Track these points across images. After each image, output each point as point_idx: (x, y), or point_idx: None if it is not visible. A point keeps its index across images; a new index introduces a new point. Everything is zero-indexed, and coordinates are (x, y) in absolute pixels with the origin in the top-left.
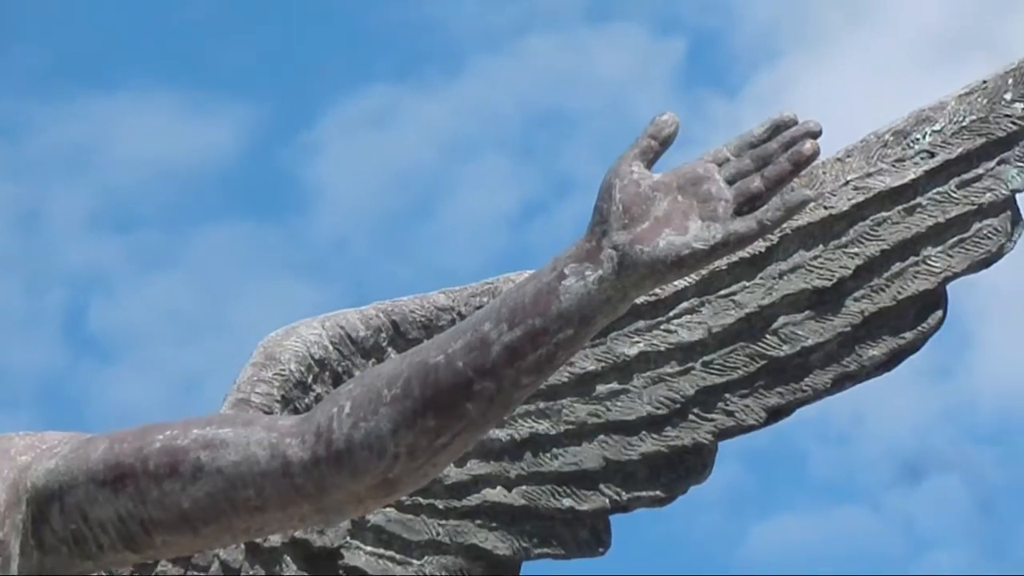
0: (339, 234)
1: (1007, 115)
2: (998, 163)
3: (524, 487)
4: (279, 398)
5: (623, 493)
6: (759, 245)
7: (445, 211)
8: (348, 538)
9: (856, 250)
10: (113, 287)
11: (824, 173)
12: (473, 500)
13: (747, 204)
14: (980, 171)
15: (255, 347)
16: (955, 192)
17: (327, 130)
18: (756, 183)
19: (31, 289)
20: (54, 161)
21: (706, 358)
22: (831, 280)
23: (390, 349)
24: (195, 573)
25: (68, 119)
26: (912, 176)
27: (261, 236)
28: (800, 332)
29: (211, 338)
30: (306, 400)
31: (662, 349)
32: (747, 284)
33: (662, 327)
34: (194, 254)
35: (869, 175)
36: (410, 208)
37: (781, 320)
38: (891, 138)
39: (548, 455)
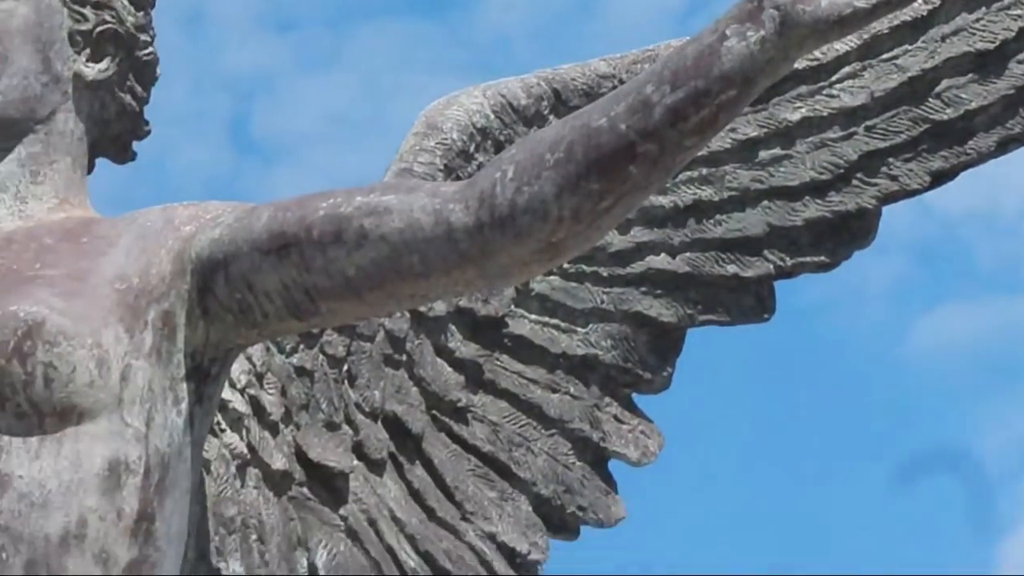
0: (502, 33)
1: None
2: None
3: (688, 254)
4: (441, 167)
5: (787, 259)
6: (921, 7)
7: (608, 9)
8: (513, 307)
9: (1019, 12)
10: (276, 89)
11: None
12: (637, 267)
13: None
14: None
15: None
16: None
17: None
18: None
19: (197, 91)
20: None
21: (869, 122)
22: (994, 42)
23: (551, 117)
24: (360, 343)
25: None
26: None
27: (424, 35)
28: (963, 95)
29: (372, 139)
30: (468, 169)
31: (825, 114)
32: (909, 47)
33: (824, 92)
34: (356, 54)
35: None
36: (573, 6)
37: (944, 83)
38: None
39: (711, 221)
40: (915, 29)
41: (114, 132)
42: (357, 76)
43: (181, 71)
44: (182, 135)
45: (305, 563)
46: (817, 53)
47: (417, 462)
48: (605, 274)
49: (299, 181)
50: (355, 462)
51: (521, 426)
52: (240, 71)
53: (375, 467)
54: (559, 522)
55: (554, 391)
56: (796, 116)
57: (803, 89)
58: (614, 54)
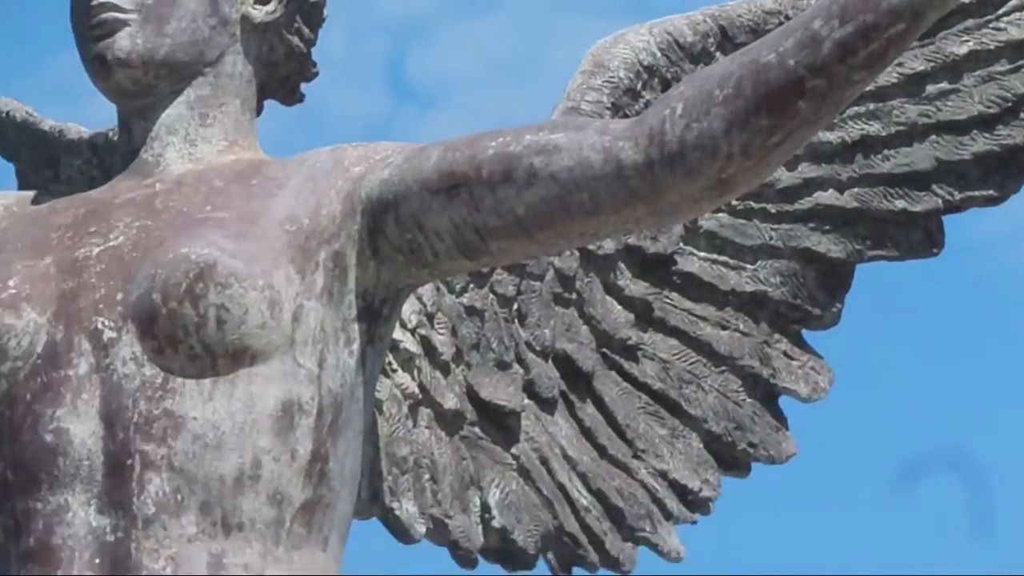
0: None
1: None
2: None
3: (856, 189)
4: (609, 105)
5: (955, 193)
6: None
7: None
8: (681, 244)
9: None
10: (432, 34)
11: None
12: (805, 203)
13: None
14: None
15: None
16: None
17: None
18: None
19: (354, 35)
20: None
21: None
22: None
23: (717, 54)
24: (530, 281)
25: None
26: None
27: None
28: None
29: (528, 83)
30: (635, 107)
31: (992, 47)
32: None
33: (991, 25)
34: None
35: None
36: None
37: None
38: None
39: (879, 156)
40: None
41: (282, 74)
42: (513, 20)
43: (338, 15)
44: (339, 79)
45: (478, 502)
46: None
47: (588, 400)
48: (773, 210)
49: (455, 126)
50: (526, 401)
51: (691, 363)
52: (396, 15)
53: (546, 406)
54: (730, 459)
55: (724, 328)
56: (963, 50)
57: (970, 23)
58: None
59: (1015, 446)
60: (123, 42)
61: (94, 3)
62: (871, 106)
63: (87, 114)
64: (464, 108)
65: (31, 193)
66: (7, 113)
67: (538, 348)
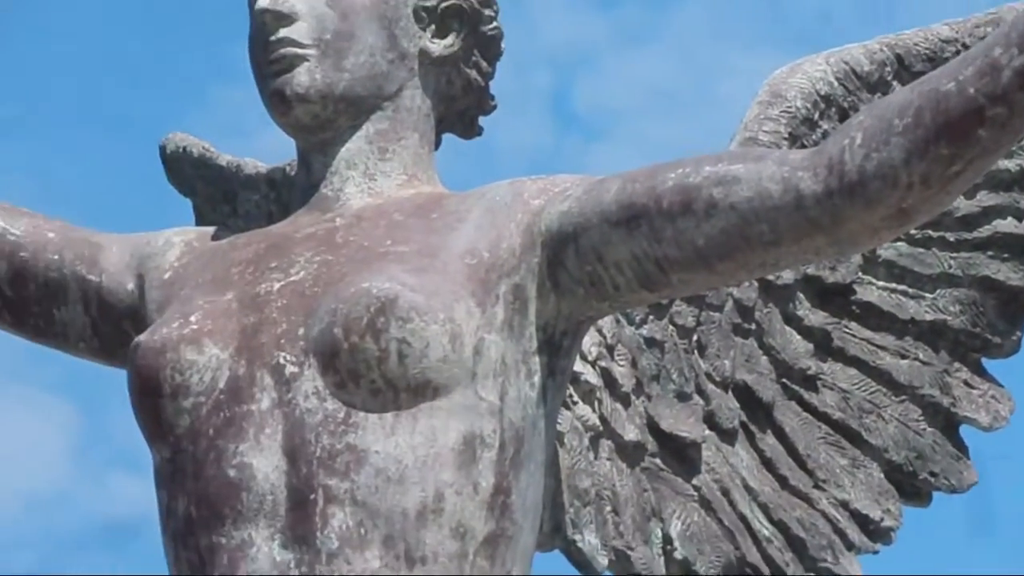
0: (823, 5)
1: None
2: None
3: None
4: (786, 135)
5: None
6: None
7: None
8: (860, 273)
9: None
10: (597, 65)
11: None
12: (984, 231)
13: None
14: None
15: (739, 119)
16: None
17: None
18: None
19: (520, 67)
20: None
21: None
22: None
23: (894, 83)
24: (710, 312)
25: None
26: None
27: (744, 8)
28: None
29: (694, 112)
30: (813, 136)
31: None
32: None
33: None
34: (676, 28)
35: None
36: None
37: None
38: None
39: None
40: None
41: (460, 108)
42: (676, 49)
43: (505, 47)
44: (506, 111)
45: (659, 533)
46: None
47: (768, 431)
48: (952, 239)
49: (620, 156)
50: (707, 432)
51: (871, 393)
52: (561, 46)
53: (727, 436)
54: (911, 488)
55: (903, 357)
56: None
57: None
58: (956, 19)
59: (1015, 446)
60: (302, 77)
61: (273, 39)
62: None
63: (258, 147)
64: (629, 138)
65: (211, 229)
66: (183, 149)
67: (718, 379)
